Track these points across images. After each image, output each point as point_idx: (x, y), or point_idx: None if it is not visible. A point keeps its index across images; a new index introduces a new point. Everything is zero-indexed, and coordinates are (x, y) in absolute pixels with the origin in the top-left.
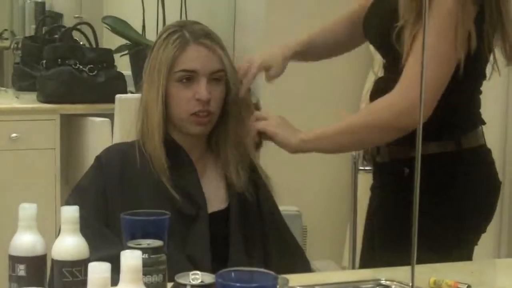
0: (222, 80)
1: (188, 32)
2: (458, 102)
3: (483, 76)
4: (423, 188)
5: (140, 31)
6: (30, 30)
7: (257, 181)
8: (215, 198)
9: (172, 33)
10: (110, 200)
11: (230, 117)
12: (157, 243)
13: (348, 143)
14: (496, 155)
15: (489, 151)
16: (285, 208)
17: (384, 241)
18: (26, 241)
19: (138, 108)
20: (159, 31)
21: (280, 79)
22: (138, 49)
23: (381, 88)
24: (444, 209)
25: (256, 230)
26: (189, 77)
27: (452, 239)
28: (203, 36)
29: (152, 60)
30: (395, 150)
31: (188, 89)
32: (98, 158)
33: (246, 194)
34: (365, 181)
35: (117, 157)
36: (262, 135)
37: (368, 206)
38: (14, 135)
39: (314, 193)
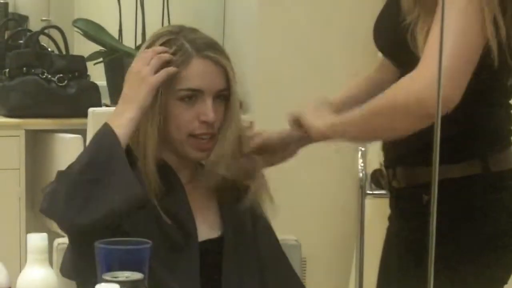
0: (226, 98)
1: (188, 42)
2: (484, 115)
3: None
4: (444, 218)
5: (116, 36)
6: None
7: (254, 206)
8: (207, 225)
9: (170, 41)
10: None
11: (227, 137)
12: (136, 275)
13: (369, 130)
14: None
15: None
16: (282, 237)
17: (400, 279)
18: None
19: None
20: (138, 36)
21: (275, 90)
22: (114, 57)
23: None
24: (468, 242)
25: (252, 262)
26: (192, 95)
27: (478, 275)
28: (206, 47)
29: None
30: (413, 173)
31: (190, 109)
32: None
33: (242, 221)
34: (374, 207)
35: None
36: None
37: (385, 237)
38: None
39: (314, 221)
